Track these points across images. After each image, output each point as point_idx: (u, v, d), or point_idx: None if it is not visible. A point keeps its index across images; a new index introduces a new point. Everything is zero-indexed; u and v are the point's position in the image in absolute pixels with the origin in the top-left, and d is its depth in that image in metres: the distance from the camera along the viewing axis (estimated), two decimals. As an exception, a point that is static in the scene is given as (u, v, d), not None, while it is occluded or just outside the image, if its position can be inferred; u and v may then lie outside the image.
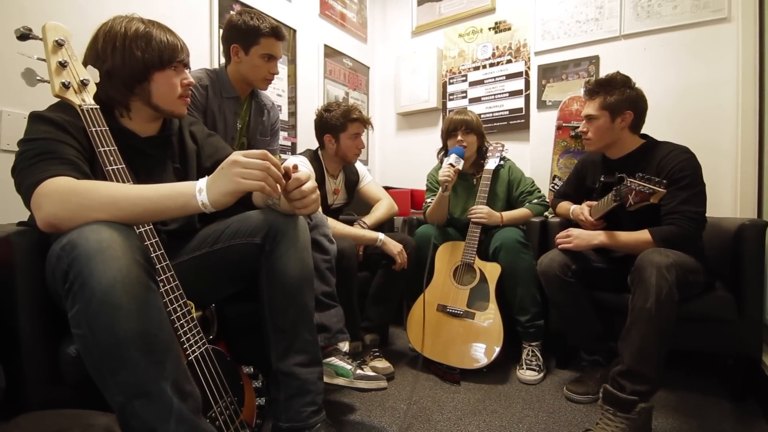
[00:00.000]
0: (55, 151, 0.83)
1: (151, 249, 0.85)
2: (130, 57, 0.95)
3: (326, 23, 2.70)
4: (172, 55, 0.98)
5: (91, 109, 0.89)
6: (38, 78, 0.87)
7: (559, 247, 1.50)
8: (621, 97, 1.44)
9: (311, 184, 0.91)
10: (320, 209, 1.44)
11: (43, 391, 0.87)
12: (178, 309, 0.86)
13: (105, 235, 0.69)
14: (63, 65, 0.88)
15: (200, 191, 0.78)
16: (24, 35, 0.87)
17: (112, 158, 0.87)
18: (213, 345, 0.95)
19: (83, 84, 0.90)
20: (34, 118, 0.88)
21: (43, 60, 0.87)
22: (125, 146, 0.92)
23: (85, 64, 0.94)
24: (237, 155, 0.80)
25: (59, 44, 0.88)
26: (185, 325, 0.87)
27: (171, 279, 0.86)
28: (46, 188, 0.76)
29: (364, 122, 1.81)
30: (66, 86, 0.87)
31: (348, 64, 2.90)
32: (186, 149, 1.12)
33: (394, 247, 1.69)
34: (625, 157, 1.51)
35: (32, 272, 0.85)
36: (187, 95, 1.05)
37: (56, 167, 0.80)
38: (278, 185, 0.83)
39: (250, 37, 1.47)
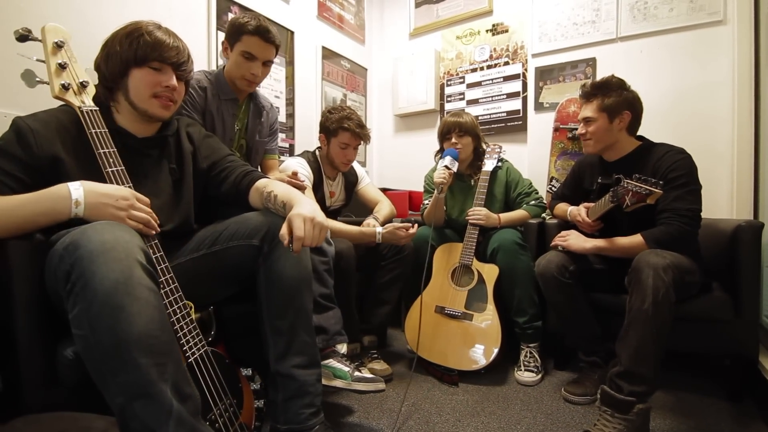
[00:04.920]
0: None
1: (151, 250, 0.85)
2: (113, 53, 0.96)
3: (324, 25, 2.70)
4: (149, 53, 0.96)
5: (91, 110, 0.89)
6: (37, 79, 0.87)
7: (553, 243, 1.53)
8: (618, 99, 1.46)
9: (309, 225, 0.88)
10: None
11: (40, 394, 0.86)
12: (178, 311, 0.86)
13: (108, 237, 0.70)
14: (63, 67, 0.88)
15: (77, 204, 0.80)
16: (23, 36, 0.87)
17: (111, 160, 0.87)
18: (212, 347, 0.95)
19: (83, 86, 0.90)
20: (11, 124, 0.89)
21: (43, 61, 0.88)
22: (122, 146, 0.92)
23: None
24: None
25: (59, 46, 0.88)
26: (185, 327, 0.86)
27: (171, 281, 0.86)
28: None
29: (354, 134, 1.75)
30: (65, 88, 0.88)
31: (346, 65, 2.90)
32: (182, 150, 1.12)
33: (391, 233, 1.67)
34: (621, 159, 1.52)
35: (30, 274, 0.85)
36: (168, 97, 1.00)
37: None
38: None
39: (235, 34, 1.48)
